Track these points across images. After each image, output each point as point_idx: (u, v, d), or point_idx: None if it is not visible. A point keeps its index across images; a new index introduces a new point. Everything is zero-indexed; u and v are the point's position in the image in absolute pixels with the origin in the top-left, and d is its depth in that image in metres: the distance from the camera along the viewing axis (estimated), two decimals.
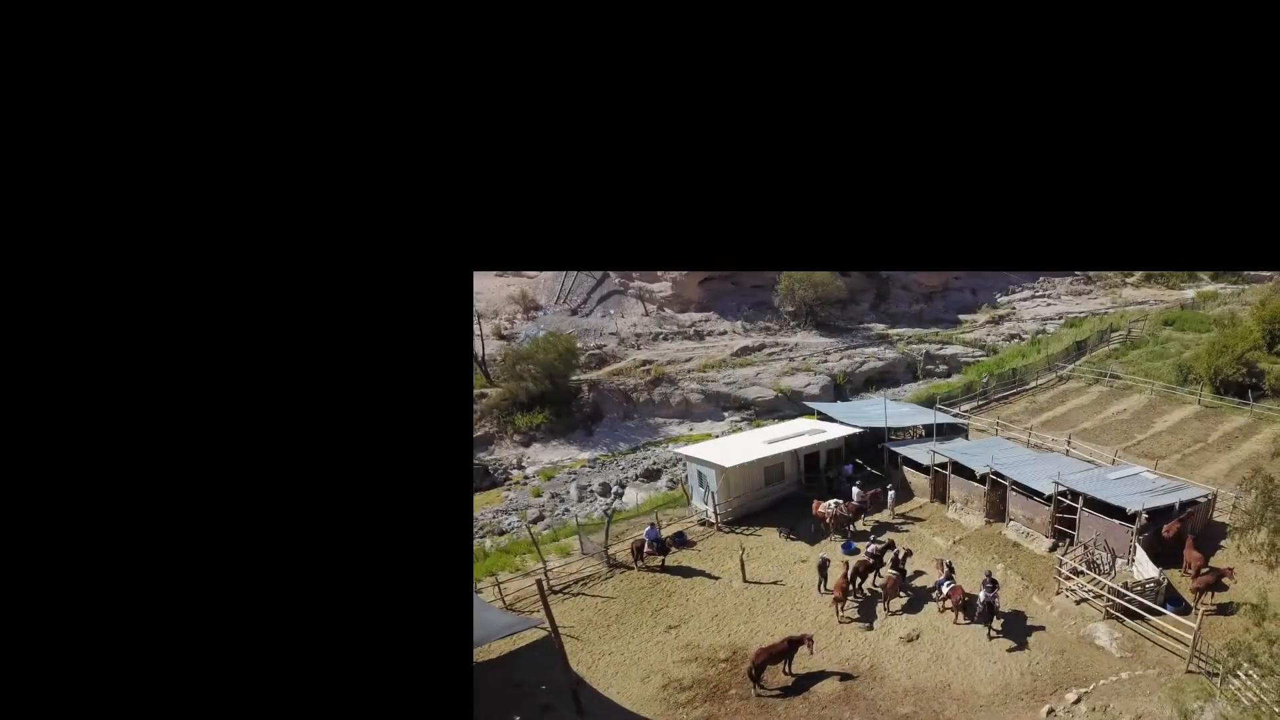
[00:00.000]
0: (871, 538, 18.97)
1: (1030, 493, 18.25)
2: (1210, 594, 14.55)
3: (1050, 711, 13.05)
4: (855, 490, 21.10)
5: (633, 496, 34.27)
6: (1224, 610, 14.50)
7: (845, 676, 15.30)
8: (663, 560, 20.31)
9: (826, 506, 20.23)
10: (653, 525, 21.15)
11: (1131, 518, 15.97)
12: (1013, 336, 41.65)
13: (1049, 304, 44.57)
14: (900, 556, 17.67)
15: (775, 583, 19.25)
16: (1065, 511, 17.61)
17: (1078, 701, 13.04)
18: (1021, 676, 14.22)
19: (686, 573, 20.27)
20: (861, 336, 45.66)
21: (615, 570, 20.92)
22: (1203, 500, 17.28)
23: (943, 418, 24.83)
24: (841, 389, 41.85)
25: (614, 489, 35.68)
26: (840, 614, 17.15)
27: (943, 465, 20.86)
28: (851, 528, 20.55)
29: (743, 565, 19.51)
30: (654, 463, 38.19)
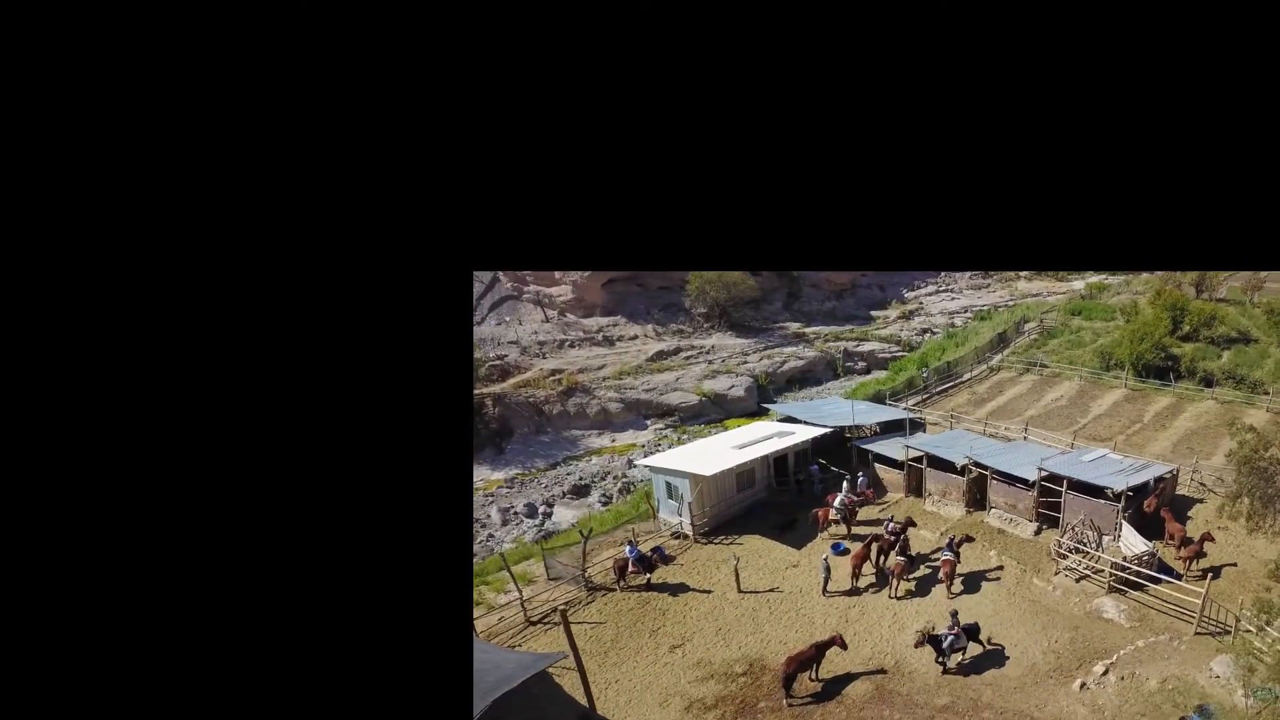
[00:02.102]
0: (891, 517, 20.26)
1: (1010, 480, 20.20)
2: (1196, 560, 16.89)
3: (1082, 685, 14.60)
4: (844, 485, 22.31)
5: (565, 515, 34.13)
6: (1211, 574, 16.83)
7: (873, 675, 16.24)
8: (649, 578, 20.51)
9: (835, 511, 21.22)
10: (632, 543, 21.28)
11: (1116, 496, 18.15)
12: (925, 331, 45.33)
13: (953, 298, 48.93)
14: (906, 541, 19.04)
15: (773, 590, 19.97)
16: (1045, 495, 19.67)
17: (1105, 673, 14.68)
18: (1045, 655, 15.76)
19: (675, 589, 20.57)
20: (778, 336, 47.90)
21: (594, 594, 20.87)
22: (1168, 476, 19.93)
23: (899, 413, 26.76)
24: (765, 390, 43.73)
25: (541, 509, 35.34)
26: (855, 581, 18.82)
27: (917, 459, 22.54)
28: (826, 532, 21.71)
29: (737, 575, 20.09)
30: (580, 477, 38.20)
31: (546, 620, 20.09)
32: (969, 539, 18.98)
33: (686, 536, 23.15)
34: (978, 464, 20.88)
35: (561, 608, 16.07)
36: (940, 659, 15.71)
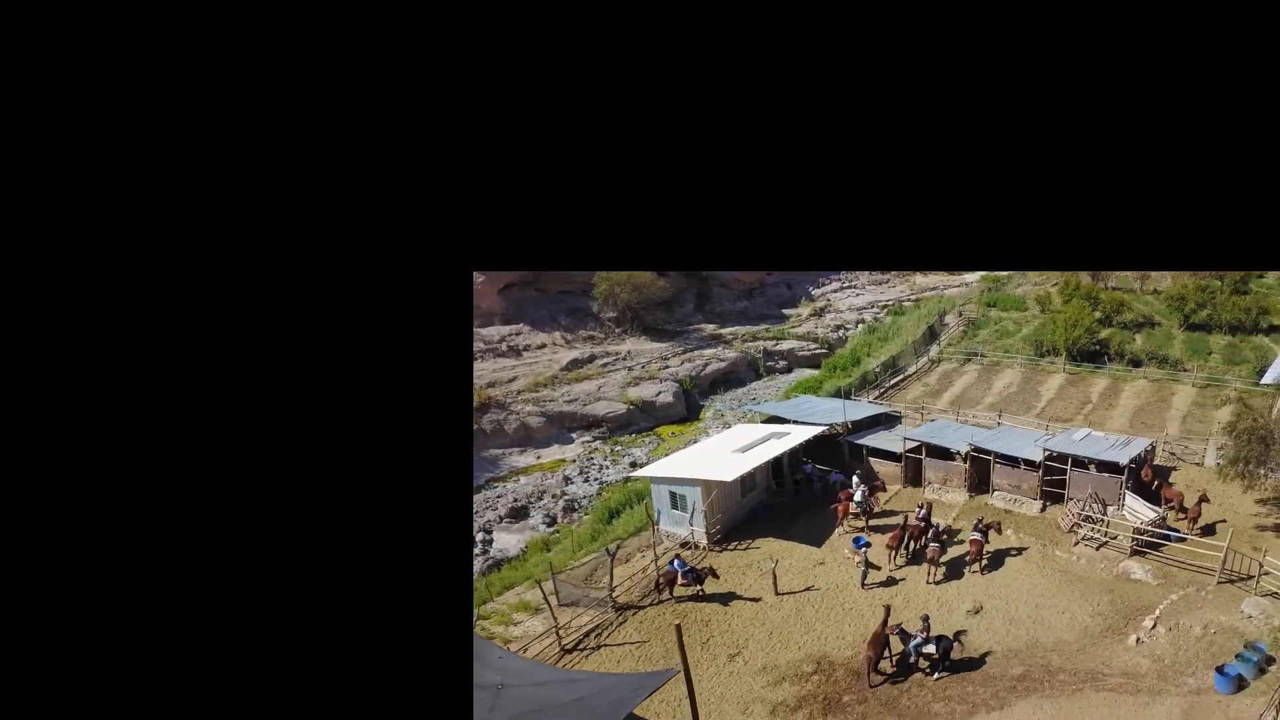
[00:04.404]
0: (921, 504, 22.60)
1: (1015, 462, 23.15)
2: (1198, 520, 20.43)
3: (1138, 640, 17.33)
4: (854, 480, 24.36)
5: (508, 541, 34.15)
6: (1206, 531, 20.40)
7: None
8: (699, 589, 21.30)
9: (856, 505, 23.16)
10: (678, 556, 22.08)
11: (1119, 470, 21.45)
12: (839, 327, 49.15)
13: (857, 294, 53.40)
14: (941, 529, 21.33)
15: (809, 589, 21.56)
16: (1047, 474, 22.77)
17: (1154, 626, 17.52)
18: (1093, 618, 18.44)
19: (708, 599, 21.63)
20: (694, 338, 50.02)
21: (623, 613, 21.54)
22: (1150, 448, 23.68)
23: (877, 409, 29.46)
24: (690, 394, 45.59)
25: (480, 536, 35.10)
26: (893, 564, 21.12)
27: (914, 450, 25.10)
28: (846, 523, 23.74)
29: (775, 578, 21.49)
30: (515, 499, 38.14)
31: (580, 647, 20.52)
32: (997, 525, 21.52)
33: (697, 546, 24.25)
34: (980, 450, 23.68)
35: (676, 624, 16.67)
36: (909, 656, 17.47)
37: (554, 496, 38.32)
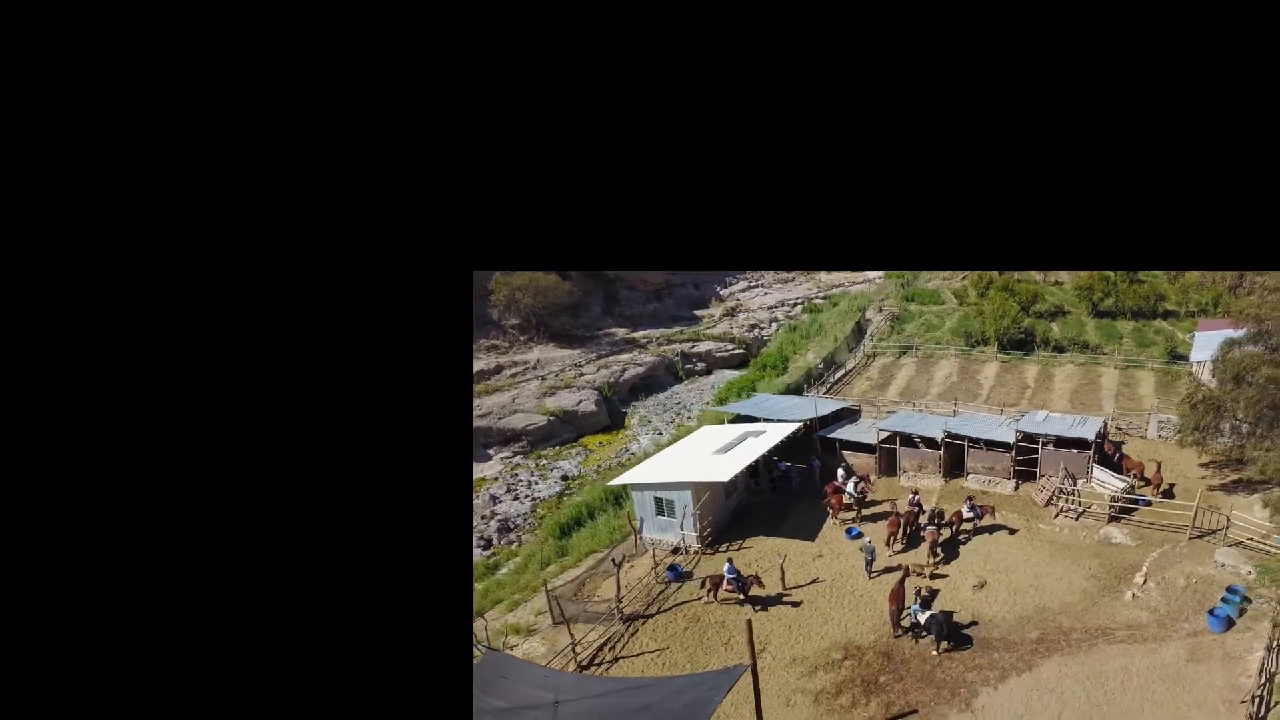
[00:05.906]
0: (915, 491, 25.26)
1: (990, 445, 26.26)
2: (1160, 486, 24.16)
3: (1133, 596, 20.51)
4: (840, 472, 26.68)
5: None
6: (1165, 495, 24.15)
7: (966, 629, 20.66)
8: (744, 596, 22.63)
9: (849, 496, 25.41)
10: (730, 562, 23.37)
11: (1087, 445, 24.92)
12: (753, 327, 52.05)
13: (765, 293, 56.64)
14: (935, 512, 23.94)
15: (814, 581, 23.59)
16: (1018, 454, 26.05)
17: (1145, 582, 20.77)
18: (1089, 581, 21.52)
19: (719, 600, 23.20)
20: (606, 343, 51.38)
21: (631, 624, 22.72)
22: (1104, 425, 27.47)
23: (838, 403, 32.11)
24: (610, 401, 46.94)
25: None
26: (891, 548, 23.59)
27: (887, 440, 27.83)
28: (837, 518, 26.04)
29: (783, 573, 23.33)
30: None
31: (595, 662, 21.51)
32: (991, 509, 24.37)
33: (687, 551, 25.72)
34: (953, 435, 26.66)
35: (749, 619, 17.96)
36: (912, 621, 20.18)
37: (483, 518, 38.48)
